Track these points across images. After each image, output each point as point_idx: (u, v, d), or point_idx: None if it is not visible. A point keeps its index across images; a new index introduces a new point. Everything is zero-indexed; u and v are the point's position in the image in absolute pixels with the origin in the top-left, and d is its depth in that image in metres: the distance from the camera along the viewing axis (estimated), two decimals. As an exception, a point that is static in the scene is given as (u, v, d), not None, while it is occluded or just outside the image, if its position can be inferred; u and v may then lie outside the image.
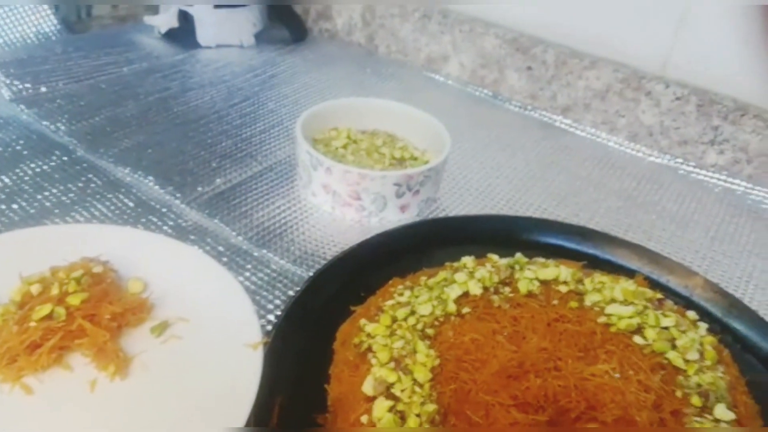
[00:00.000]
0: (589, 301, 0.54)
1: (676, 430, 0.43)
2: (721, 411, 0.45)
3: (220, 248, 0.63)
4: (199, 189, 0.71)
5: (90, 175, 0.71)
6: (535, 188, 0.80)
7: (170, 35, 1.08)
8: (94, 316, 0.48)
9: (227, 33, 1.10)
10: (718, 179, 0.84)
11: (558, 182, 0.81)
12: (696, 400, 0.45)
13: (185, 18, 1.07)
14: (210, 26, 1.08)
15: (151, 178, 0.71)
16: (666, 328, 0.51)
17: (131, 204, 0.67)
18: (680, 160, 0.87)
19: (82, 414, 0.44)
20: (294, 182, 0.75)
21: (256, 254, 0.63)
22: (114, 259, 0.55)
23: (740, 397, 0.48)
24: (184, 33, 1.08)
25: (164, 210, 0.67)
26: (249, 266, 0.61)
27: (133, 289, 0.54)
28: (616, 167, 0.86)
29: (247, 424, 0.43)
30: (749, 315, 0.58)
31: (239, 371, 0.47)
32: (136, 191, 0.69)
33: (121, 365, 0.47)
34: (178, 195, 0.69)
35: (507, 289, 0.55)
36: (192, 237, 0.64)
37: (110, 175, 0.71)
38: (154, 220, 0.66)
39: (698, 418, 0.44)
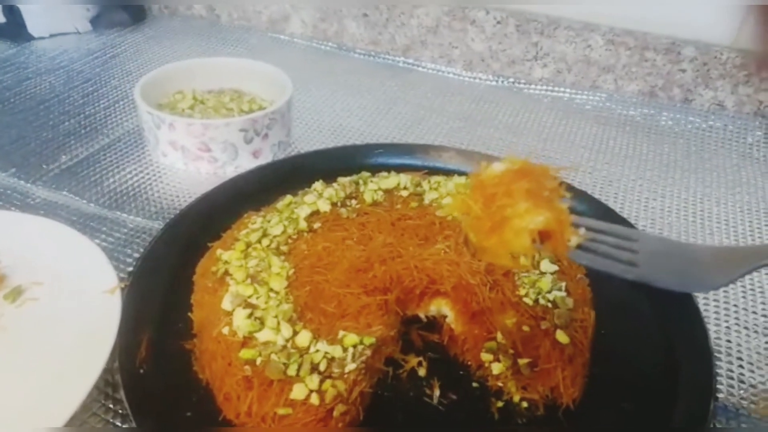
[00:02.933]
0: (427, 199, 0.59)
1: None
2: (546, 265, 0.51)
3: (73, 218, 0.62)
4: (44, 167, 0.70)
5: None
6: (383, 122, 0.84)
7: (-1, 31, 1.03)
8: (-64, 290, 0.47)
9: (60, 21, 1.06)
10: (546, 90, 0.92)
11: (403, 114, 0.86)
12: (524, 261, 0.51)
13: (11, 11, 1.02)
14: (40, 16, 1.04)
15: (-10, 164, 0.69)
16: (495, 208, 0.56)
17: (-28, 193, 0.65)
18: (512, 80, 0.94)
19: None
20: (145, 148, 0.75)
21: (110, 217, 0.63)
22: (-45, 240, 0.54)
23: (562, 253, 0.54)
24: (13, 27, 1.03)
25: (9, 192, 0.66)
26: (104, 228, 0.61)
27: (-18, 263, 0.53)
28: (456, 94, 0.92)
29: (117, 362, 0.44)
30: (575, 192, 0.65)
31: (100, 317, 0.48)
32: (-24, 180, 0.67)
33: (-25, 332, 0.47)
34: (22, 175, 0.68)
35: (353, 202, 0.59)
36: (41, 212, 0.62)
37: (-55, 169, 0.69)
38: (-1, 203, 0.64)
39: (526, 274, 0.50)
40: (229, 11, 1.12)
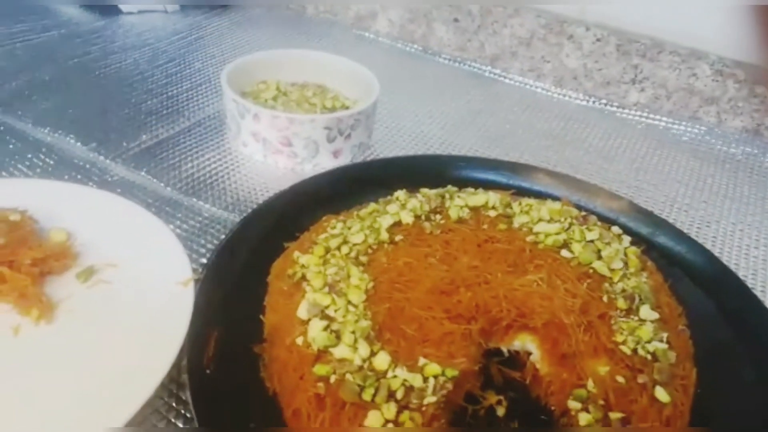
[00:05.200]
0: (517, 222, 0.55)
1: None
2: (646, 311, 0.47)
3: (149, 200, 0.61)
4: (124, 144, 0.69)
5: (8, 137, 0.68)
6: (466, 133, 0.81)
7: (90, 3, 1.04)
8: (12, 263, 0.47)
9: (149, -2, 1.07)
10: (641, 116, 0.87)
11: (488, 126, 0.83)
12: (622, 303, 0.47)
13: (104, -15, 1.03)
14: (132, -8, 1.05)
15: (72, 136, 0.69)
16: (591, 241, 0.53)
17: (52, 162, 0.65)
18: (604, 101, 0.89)
19: (7, 357, 0.43)
20: (224, 136, 0.73)
21: (186, 203, 0.62)
22: (35, 211, 0.53)
23: (664, 299, 0.50)
24: (104, 0, 1.04)
25: (88, 166, 0.65)
26: (179, 215, 0.60)
27: (56, 238, 0.52)
28: (544, 111, 0.88)
29: (185, 358, 0.42)
30: (674, 231, 0.61)
31: (171, 309, 0.46)
32: (58, 150, 0.67)
33: (45, 309, 0.46)
34: (102, 151, 0.67)
35: (438, 217, 0.56)
36: (118, 190, 0.62)
37: (29, 136, 0.69)
38: (78, 177, 0.63)
39: (624, 319, 0.46)
40: (316, 4, 1.10)
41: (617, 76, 0.88)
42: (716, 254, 0.60)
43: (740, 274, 0.61)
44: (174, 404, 0.43)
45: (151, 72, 0.86)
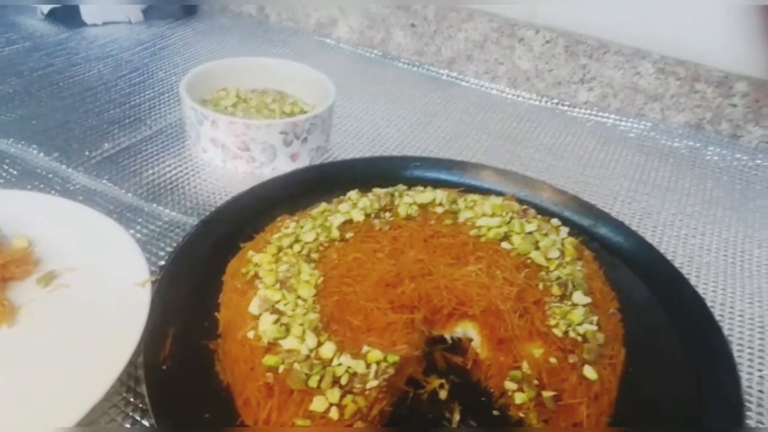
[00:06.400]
0: (462, 217, 0.58)
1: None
2: (579, 297, 0.50)
3: (110, 207, 0.63)
4: (87, 153, 0.71)
5: (-30, 150, 0.70)
6: (422, 134, 0.84)
7: (54, 15, 1.06)
8: (-26, 269, 0.48)
9: (113, 9, 1.08)
10: (590, 114, 0.91)
11: (444, 128, 0.86)
12: (556, 290, 0.50)
13: (67, -3, 1.05)
14: (95, 3, 1.06)
15: (35, 146, 0.71)
16: (530, 233, 0.56)
17: (15, 173, 0.67)
18: (556, 101, 0.93)
19: (-33, 360, 0.45)
20: (185, 143, 0.75)
21: (146, 209, 0.64)
22: (-3, 220, 0.55)
23: (597, 285, 0.53)
24: (67, 12, 1.06)
25: (50, 176, 0.67)
26: (140, 219, 0.62)
27: (18, 245, 0.54)
28: (498, 111, 0.91)
29: (142, 356, 0.44)
30: (614, 223, 0.64)
31: (128, 310, 0.48)
32: (21, 161, 0.69)
33: (6, 313, 0.48)
34: (64, 160, 0.69)
35: (387, 215, 0.58)
36: (80, 198, 0.63)
37: (-8, 148, 0.70)
38: (41, 186, 0.65)
39: (558, 304, 0.49)
40: (278, 11, 1.13)
41: (567, 77, 0.91)
42: (655, 243, 0.64)
43: (677, 261, 0.64)
44: (132, 399, 0.45)
45: (115, 82, 0.88)
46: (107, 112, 0.80)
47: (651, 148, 0.85)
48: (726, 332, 0.54)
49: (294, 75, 0.81)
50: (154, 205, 0.64)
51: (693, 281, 0.59)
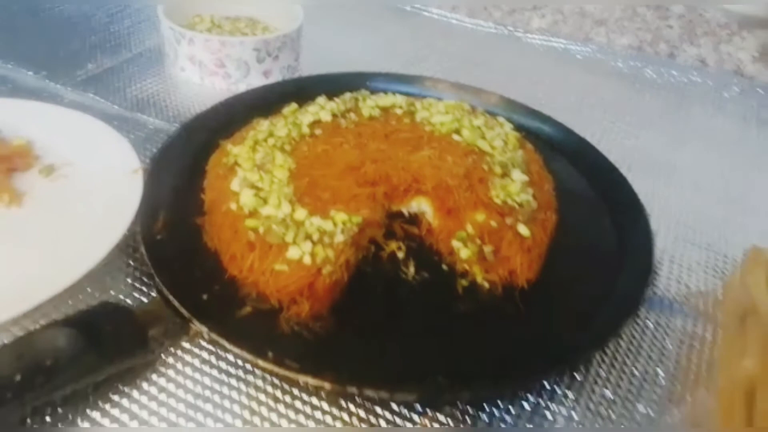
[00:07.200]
0: (419, 117, 0.65)
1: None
2: (517, 175, 0.58)
3: (98, 117, 0.69)
4: (73, 72, 0.76)
5: (-39, 71, 0.74)
6: (386, 59, 0.90)
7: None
8: (-19, 159, 0.54)
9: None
10: (542, 40, 0.98)
11: (406, 53, 0.92)
12: (498, 170, 0.58)
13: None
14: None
15: (23, 67, 0.76)
16: (478, 127, 0.63)
17: (6, 90, 0.72)
18: (511, 28, 1.00)
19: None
20: (164, 65, 0.81)
21: (132, 118, 0.70)
22: (-3, 123, 0.61)
23: (535, 168, 0.61)
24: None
25: (39, 92, 0.72)
26: (127, 127, 0.68)
27: (18, 143, 0.59)
28: (458, 39, 0.98)
29: (139, 227, 0.51)
30: (557, 125, 0.72)
31: (123, 193, 0.55)
32: (11, 80, 0.74)
33: (15, 196, 0.54)
34: (53, 78, 0.75)
35: (352, 115, 0.65)
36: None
37: (-18, 69, 0.75)
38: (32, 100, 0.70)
39: (500, 180, 0.57)
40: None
41: (521, 5, 0.98)
42: (594, 143, 0.72)
43: (612, 158, 0.72)
44: (132, 262, 0.52)
45: (93, 12, 0.93)
46: (89, 38, 0.85)
47: (597, 69, 0.92)
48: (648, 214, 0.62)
49: (265, 2, 0.86)
50: (139, 114, 0.70)
51: (624, 172, 0.67)
